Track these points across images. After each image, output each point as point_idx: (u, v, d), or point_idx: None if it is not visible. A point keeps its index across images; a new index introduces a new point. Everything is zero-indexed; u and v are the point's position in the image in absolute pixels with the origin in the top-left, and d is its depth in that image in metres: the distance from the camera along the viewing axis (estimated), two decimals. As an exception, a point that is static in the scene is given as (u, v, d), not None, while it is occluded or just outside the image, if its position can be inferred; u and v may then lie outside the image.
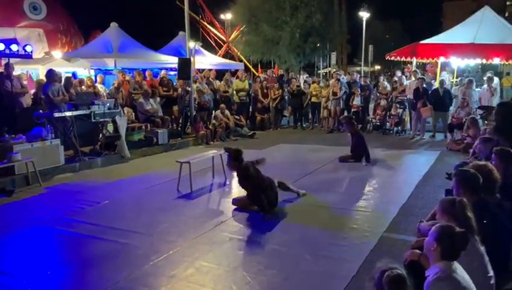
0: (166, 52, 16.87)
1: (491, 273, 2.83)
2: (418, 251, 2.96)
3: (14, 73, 9.76)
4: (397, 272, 2.12)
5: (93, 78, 13.08)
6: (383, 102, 12.91)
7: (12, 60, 9.60)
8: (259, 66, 24.17)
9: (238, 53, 23.61)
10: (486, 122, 9.93)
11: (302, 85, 14.59)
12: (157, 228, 5.20)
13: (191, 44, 14.94)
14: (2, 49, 8.07)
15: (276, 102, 14.14)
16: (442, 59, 12.82)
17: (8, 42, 8.28)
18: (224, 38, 24.79)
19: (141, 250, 4.55)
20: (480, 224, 2.97)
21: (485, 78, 12.10)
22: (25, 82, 10.75)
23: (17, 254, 4.60)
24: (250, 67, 23.62)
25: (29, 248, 4.72)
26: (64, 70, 12.56)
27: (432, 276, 2.50)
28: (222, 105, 12.52)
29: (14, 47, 8.25)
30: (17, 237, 5.04)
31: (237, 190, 6.43)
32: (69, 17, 19.73)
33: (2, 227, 5.36)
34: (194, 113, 12.12)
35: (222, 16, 25.82)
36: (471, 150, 6.85)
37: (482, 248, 2.87)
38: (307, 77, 16.81)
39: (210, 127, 11.94)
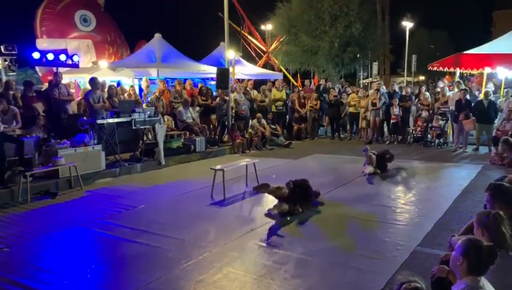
0: (208, 62, 17.19)
1: (527, 292, 2.71)
2: (446, 267, 2.87)
3: (63, 81, 10.31)
4: (415, 284, 2.08)
5: (137, 86, 13.59)
6: (424, 113, 12.57)
7: (62, 69, 10.17)
8: (298, 75, 24.15)
9: (278, 63, 23.72)
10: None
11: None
12: (190, 233, 5.31)
13: (231, 54, 15.17)
14: (52, 59, 8.60)
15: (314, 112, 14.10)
16: (487, 70, 12.36)
17: (57, 52, 8.80)
18: (265, 49, 24.99)
19: (173, 254, 4.66)
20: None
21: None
22: (72, 90, 11.32)
23: (57, 252, 4.85)
24: (290, 77, 23.64)
25: (68, 248, 4.96)
26: (109, 79, 13.10)
27: (458, 292, 2.42)
28: (258, 114, 12.64)
29: (62, 57, 8.78)
30: (58, 237, 5.31)
31: (269, 198, 6.43)
32: (116, 28, 20.59)
33: (46, 227, 5.68)
34: (231, 122, 12.31)
35: (263, 27, 26.07)
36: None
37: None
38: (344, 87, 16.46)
39: (246, 136, 12.07)
